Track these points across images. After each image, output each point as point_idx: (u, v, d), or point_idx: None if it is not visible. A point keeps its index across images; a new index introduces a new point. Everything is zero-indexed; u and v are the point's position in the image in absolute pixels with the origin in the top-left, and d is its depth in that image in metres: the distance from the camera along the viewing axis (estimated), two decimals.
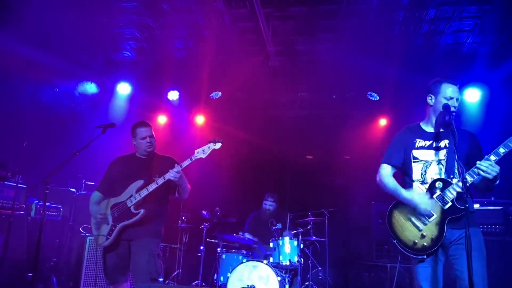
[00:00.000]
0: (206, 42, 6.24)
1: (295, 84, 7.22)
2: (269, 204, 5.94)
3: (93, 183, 5.89)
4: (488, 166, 2.58)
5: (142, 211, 3.43)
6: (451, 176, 2.76)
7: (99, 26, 5.88)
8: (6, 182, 4.64)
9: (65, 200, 5.59)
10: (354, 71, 6.37)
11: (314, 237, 5.68)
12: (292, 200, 7.21)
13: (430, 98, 2.95)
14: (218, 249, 5.28)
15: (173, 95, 7.33)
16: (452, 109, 2.82)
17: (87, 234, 4.88)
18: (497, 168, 2.59)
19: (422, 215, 2.76)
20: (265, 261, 4.89)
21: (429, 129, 2.97)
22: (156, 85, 7.32)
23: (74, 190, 5.83)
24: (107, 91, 7.22)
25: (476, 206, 4.89)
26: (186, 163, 3.43)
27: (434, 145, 2.88)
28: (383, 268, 5.82)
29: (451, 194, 2.71)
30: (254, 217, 6.07)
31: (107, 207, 3.53)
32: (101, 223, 3.51)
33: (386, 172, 3.00)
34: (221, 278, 5.03)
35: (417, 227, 2.77)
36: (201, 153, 3.44)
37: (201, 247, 5.54)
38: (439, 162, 2.83)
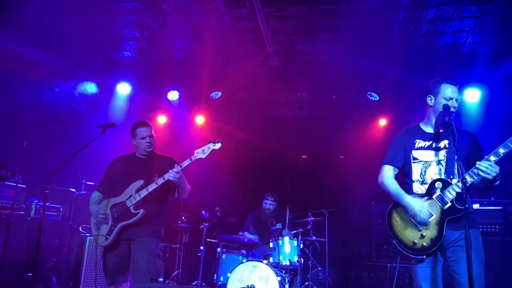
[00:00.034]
0: (206, 42, 6.24)
1: (295, 84, 7.22)
2: (269, 204, 5.94)
3: (93, 183, 5.89)
4: (487, 167, 2.58)
5: (141, 211, 3.44)
6: (451, 177, 2.76)
7: (99, 26, 5.88)
8: (6, 182, 4.64)
9: (65, 200, 5.59)
10: (354, 71, 6.37)
11: (314, 237, 5.68)
12: (292, 200, 7.18)
13: (429, 98, 2.95)
14: (218, 249, 5.28)
15: (173, 95, 7.33)
16: (452, 109, 2.82)
17: (87, 234, 4.89)
18: (496, 169, 2.59)
19: (418, 223, 2.75)
20: (265, 261, 4.89)
21: (429, 129, 2.97)
22: (156, 85, 7.32)
23: (74, 190, 5.83)
24: (107, 91, 7.22)
25: (476, 206, 4.90)
26: (185, 163, 3.43)
27: (433, 145, 2.88)
28: (383, 268, 5.82)
29: (450, 194, 2.71)
30: (253, 217, 6.08)
31: (107, 207, 3.53)
32: (101, 223, 3.51)
33: (388, 174, 2.99)
34: (221, 278, 5.04)
35: (417, 227, 2.77)
36: (200, 153, 3.44)
37: (201, 247, 5.54)
38: (438, 162, 2.84)
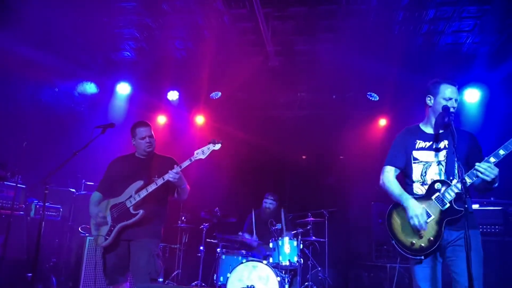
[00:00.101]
0: (206, 42, 6.24)
1: (295, 84, 7.22)
2: (269, 203, 5.93)
3: (92, 183, 5.89)
4: (486, 168, 2.58)
5: (141, 211, 3.43)
6: (451, 178, 2.76)
7: (99, 26, 5.88)
8: (5, 182, 4.63)
9: (64, 200, 5.59)
10: (354, 71, 6.38)
11: (313, 238, 5.68)
12: (291, 200, 7.21)
13: (429, 98, 2.95)
14: (218, 249, 5.27)
15: (173, 95, 7.34)
16: (451, 109, 2.82)
17: (86, 234, 4.88)
18: (495, 171, 2.58)
19: (414, 226, 2.74)
20: (264, 261, 4.88)
21: (429, 130, 2.97)
22: (155, 85, 7.32)
23: (73, 190, 5.82)
24: (107, 91, 7.22)
25: (476, 206, 4.90)
26: (185, 164, 3.43)
27: (434, 146, 2.88)
28: (382, 268, 5.83)
29: (449, 195, 2.71)
30: (253, 216, 6.06)
31: (107, 207, 3.53)
32: (101, 224, 3.51)
33: (389, 174, 2.98)
34: (221, 278, 5.03)
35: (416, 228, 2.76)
36: (200, 154, 3.44)
37: (201, 247, 5.54)
38: (439, 163, 2.83)
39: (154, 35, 6.16)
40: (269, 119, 7.60)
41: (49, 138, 5.67)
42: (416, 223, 2.70)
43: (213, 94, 7.23)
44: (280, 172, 7.67)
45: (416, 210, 2.73)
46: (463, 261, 2.35)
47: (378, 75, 6.41)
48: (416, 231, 2.74)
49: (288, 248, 5.15)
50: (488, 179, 2.58)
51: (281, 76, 6.87)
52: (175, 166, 3.41)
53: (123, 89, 7.26)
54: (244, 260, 4.91)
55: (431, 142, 2.90)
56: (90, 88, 7.05)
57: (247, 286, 4.64)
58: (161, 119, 7.76)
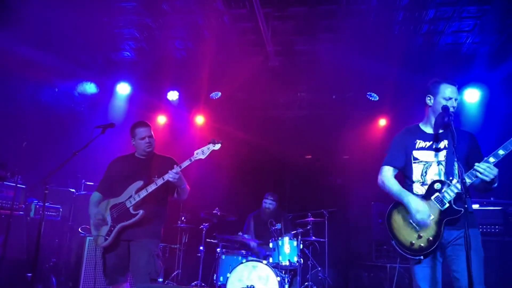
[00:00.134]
0: (206, 42, 6.24)
1: (295, 84, 7.22)
2: (269, 203, 5.93)
3: (92, 183, 5.89)
4: (485, 169, 2.58)
5: (141, 212, 3.43)
6: (450, 178, 2.76)
7: (99, 26, 5.88)
8: (5, 182, 4.63)
9: (64, 200, 5.59)
10: (354, 71, 6.37)
11: (313, 237, 5.68)
12: (291, 201, 7.21)
13: (429, 98, 2.95)
14: (218, 249, 5.28)
15: (173, 95, 7.34)
16: (451, 109, 2.82)
17: (86, 234, 4.88)
18: (495, 171, 2.58)
19: (416, 223, 2.75)
20: (264, 261, 4.89)
21: (428, 130, 2.97)
22: (155, 85, 7.32)
23: (73, 190, 5.82)
24: (107, 91, 7.22)
25: (476, 206, 4.90)
26: (185, 164, 3.43)
27: (434, 146, 2.88)
28: (382, 268, 5.82)
29: (449, 195, 2.71)
30: (253, 217, 6.07)
31: (107, 207, 3.53)
32: (101, 224, 3.50)
33: (388, 174, 2.99)
34: (221, 278, 5.04)
35: (414, 228, 2.77)
36: (200, 154, 3.44)
37: (201, 248, 5.54)
38: (439, 163, 2.83)
39: (154, 35, 6.16)
40: (269, 119, 7.60)
41: (49, 138, 5.67)
42: (419, 218, 2.71)
43: (213, 94, 7.23)
44: (280, 172, 7.67)
45: (418, 205, 2.74)
46: (463, 260, 2.35)
47: (378, 75, 6.41)
48: (419, 227, 2.73)
49: (288, 248, 5.15)
50: (487, 179, 2.58)
51: (281, 76, 6.87)
52: (175, 166, 3.41)
53: (123, 89, 7.26)
54: (244, 260, 4.91)
55: (431, 142, 2.90)
56: (90, 88, 7.05)
57: (247, 286, 4.64)
58: (161, 119, 7.76)
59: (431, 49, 6.13)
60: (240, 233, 5.50)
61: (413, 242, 2.74)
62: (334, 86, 7.05)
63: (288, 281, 4.93)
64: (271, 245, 5.20)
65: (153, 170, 3.56)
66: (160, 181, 3.41)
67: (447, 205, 2.71)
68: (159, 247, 3.61)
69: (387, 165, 3.02)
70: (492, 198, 5.09)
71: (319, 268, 5.96)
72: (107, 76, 7.12)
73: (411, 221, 2.79)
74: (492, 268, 4.34)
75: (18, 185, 4.62)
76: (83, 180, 6.04)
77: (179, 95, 7.36)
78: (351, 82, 6.84)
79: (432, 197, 2.76)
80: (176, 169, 3.38)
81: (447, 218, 2.70)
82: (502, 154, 2.63)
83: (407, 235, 2.78)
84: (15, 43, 5.11)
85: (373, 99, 6.94)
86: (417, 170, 2.89)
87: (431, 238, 2.70)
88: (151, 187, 3.43)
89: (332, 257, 6.17)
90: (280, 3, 5.32)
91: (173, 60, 6.79)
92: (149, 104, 7.50)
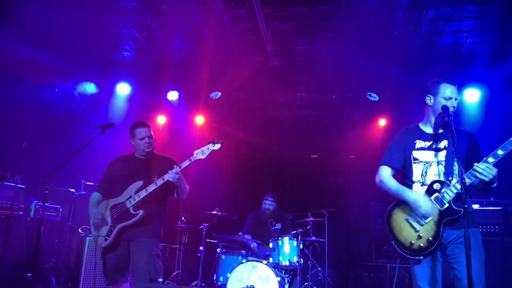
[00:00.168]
0: (206, 42, 6.24)
1: (295, 84, 7.22)
2: (268, 204, 5.93)
3: (92, 183, 5.89)
4: (484, 169, 2.58)
5: (141, 212, 3.43)
6: (450, 178, 2.75)
7: (99, 26, 5.88)
8: (5, 182, 4.63)
9: (64, 200, 5.58)
10: (354, 71, 6.37)
11: (313, 238, 5.68)
12: (291, 201, 7.21)
13: (428, 98, 2.95)
14: (218, 250, 5.28)
15: (173, 95, 7.34)
16: (451, 109, 2.82)
17: (86, 235, 4.88)
18: (494, 171, 2.58)
19: (420, 217, 2.75)
20: (264, 261, 4.88)
21: (428, 129, 2.97)
22: (155, 85, 7.33)
23: (73, 190, 5.82)
24: (107, 91, 7.22)
25: (476, 206, 4.90)
26: (185, 164, 3.42)
27: (433, 146, 2.88)
28: (382, 268, 5.83)
29: (448, 195, 2.71)
30: (253, 218, 6.07)
31: (107, 208, 3.53)
32: (100, 224, 3.50)
33: (385, 173, 2.99)
34: (221, 279, 5.03)
35: (414, 228, 2.77)
36: (200, 154, 3.44)
37: (201, 248, 5.54)
38: (439, 163, 2.83)
39: (154, 35, 6.16)
40: (269, 119, 7.60)
41: (49, 138, 5.67)
42: (422, 210, 2.71)
43: (213, 94, 7.23)
44: (280, 172, 7.67)
45: (418, 198, 2.75)
46: (464, 259, 2.34)
47: (378, 75, 6.41)
48: (424, 219, 2.73)
49: (288, 248, 5.15)
50: (486, 179, 2.58)
51: (281, 76, 6.87)
52: (175, 166, 3.40)
53: (123, 89, 7.26)
54: (244, 260, 4.91)
55: (430, 142, 2.90)
56: (90, 88, 7.05)
57: (247, 286, 4.64)
58: (161, 119, 7.76)
59: (431, 49, 6.13)
60: (240, 233, 5.50)
61: (413, 242, 2.74)
62: (334, 86, 7.05)
63: (288, 281, 4.93)
64: (271, 245, 5.20)
65: (153, 170, 3.56)
66: (160, 181, 3.41)
67: (447, 205, 2.71)
68: (159, 247, 3.60)
69: (385, 165, 3.02)
70: (492, 198, 5.09)
71: (319, 268, 5.96)
72: (107, 76, 7.12)
73: (410, 220, 2.79)
74: (492, 268, 4.33)
75: (18, 185, 4.62)
76: (83, 180, 6.04)
77: (179, 95, 7.36)
78: (351, 82, 6.84)
79: (432, 197, 2.76)
80: (176, 169, 3.38)
81: (446, 218, 2.70)
82: (501, 154, 2.63)
83: (407, 235, 2.77)
84: (15, 43, 5.11)
85: (373, 99, 6.94)
86: (417, 170, 2.89)
87: (430, 238, 2.70)
88: (151, 187, 3.43)
89: (332, 257, 6.17)
90: (280, 3, 5.32)
91: (173, 60, 6.80)
92: (149, 104, 7.50)
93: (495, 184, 2.66)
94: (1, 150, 4.81)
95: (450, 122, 2.71)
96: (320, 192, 7.21)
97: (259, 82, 6.82)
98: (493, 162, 2.61)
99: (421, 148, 2.91)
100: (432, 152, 2.87)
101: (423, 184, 2.85)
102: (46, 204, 3.48)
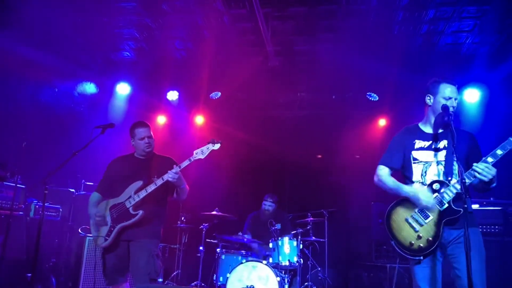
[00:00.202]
0: (206, 42, 6.24)
1: (295, 84, 7.22)
2: (268, 205, 5.93)
3: (92, 183, 5.88)
4: (484, 169, 2.57)
5: (141, 212, 3.43)
6: (449, 178, 2.75)
7: (99, 26, 5.88)
8: (5, 182, 4.63)
9: (64, 200, 5.58)
10: (354, 71, 6.37)
11: (313, 238, 5.68)
12: (291, 201, 7.21)
13: (428, 98, 2.95)
14: (218, 250, 5.27)
15: (173, 95, 7.34)
16: (451, 109, 2.82)
17: (86, 235, 4.88)
18: (493, 171, 2.58)
19: (423, 211, 2.75)
20: (264, 262, 4.88)
21: (428, 129, 2.97)
22: (155, 85, 7.32)
23: (73, 190, 5.82)
24: (107, 91, 7.22)
25: (476, 206, 4.90)
26: (184, 164, 3.42)
27: (433, 146, 2.88)
28: (382, 268, 5.83)
29: (448, 195, 2.71)
30: (253, 218, 6.07)
31: (106, 208, 3.53)
32: (100, 225, 3.50)
33: (383, 172, 3.00)
34: (221, 279, 5.03)
35: (414, 228, 2.77)
36: (200, 154, 3.44)
37: (201, 248, 5.54)
38: (438, 163, 2.83)
39: (154, 35, 6.16)
40: (269, 119, 7.60)
41: (49, 138, 5.67)
42: (423, 203, 2.71)
43: (212, 94, 7.23)
44: (280, 172, 7.67)
45: (418, 191, 2.74)
46: (465, 259, 2.34)
47: (378, 75, 6.41)
48: (415, 230, 2.73)
49: (287, 248, 5.15)
50: (485, 179, 2.58)
51: (281, 76, 6.87)
52: (174, 166, 3.41)
53: (123, 89, 7.26)
54: (244, 260, 4.91)
55: (430, 142, 2.90)
56: (89, 88, 7.05)
57: (247, 286, 4.64)
58: (161, 119, 7.76)
59: (431, 49, 6.13)
60: (240, 233, 5.50)
61: (413, 242, 2.74)
62: (334, 86, 7.05)
63: (288, 281, 4.93)
64: (271, 245, 5.20)
65: (153, 170, 3.56)
66: (159, 181, 3.41)
67: (446, 205, 2.71)
68: (158, 247, 3.60)
69: (383, 164, 3.03)
70: (492, 198, 5.09)
71: (319, 268, 5.96)
72: (107, 76, 7.12)
73: (410, 220, 2.79)
74: (492, 268, 4.33)
75: (18, 185, 4.62)
76: (83, 180, 6.03)
77: (179, 95, 7.36)
78: (351, 82, 6.84)
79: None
80: (176, 169, 3.38)
81: (446, 218, 2.70)
82: (500, 154, 2.63)
83: (406, 236, 2.77)
84: (15, 43, 5.11)
85: (373, 99, 6.94)
86: (417, 170, 2.89)
87: (430, 239, 2.70)
88: (151, 188, 3.43)
89: (332, 257, 6.17)
90: (280, 3, 5.32)
91: (173, 60, 6.80)
92: (149, 104, 7.50)
93: (494, 184, 2.65)
94: (1, 150, 4.81)
95: (450, 121, 2.71)
96: (320, 192, 7.21)
97: (259, 82, 6.82)
98: (492, 162, 2.61)
99: (421, 148, 2.91)
100: (432, 152, 2.87)
101: (422, 184, 2.85)
102: (46, 204, 3.49)
